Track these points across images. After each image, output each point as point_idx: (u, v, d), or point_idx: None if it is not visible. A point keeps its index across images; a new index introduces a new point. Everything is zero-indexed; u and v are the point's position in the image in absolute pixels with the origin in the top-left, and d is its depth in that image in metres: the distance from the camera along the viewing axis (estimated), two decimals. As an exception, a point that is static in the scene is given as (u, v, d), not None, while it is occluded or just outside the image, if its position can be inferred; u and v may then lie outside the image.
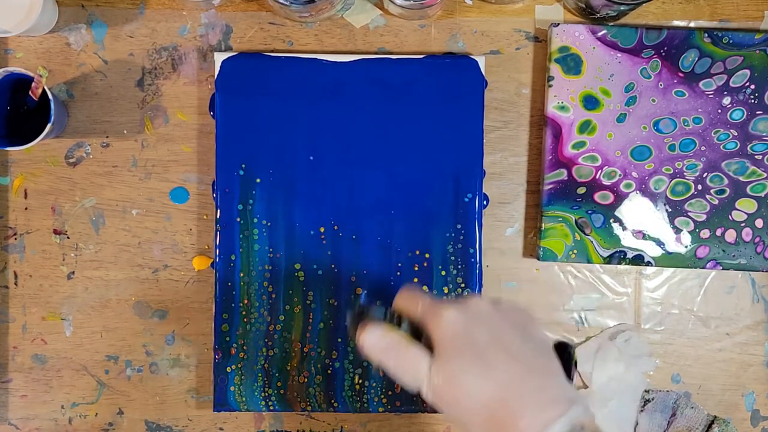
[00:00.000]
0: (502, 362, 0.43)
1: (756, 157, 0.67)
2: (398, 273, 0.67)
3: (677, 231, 0.68)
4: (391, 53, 0.69)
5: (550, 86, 0.67)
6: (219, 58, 0.67)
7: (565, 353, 0.47)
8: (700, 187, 0.68)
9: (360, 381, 0.67)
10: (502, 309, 0.47)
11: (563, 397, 0.43)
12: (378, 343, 0.45)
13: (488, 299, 0.47)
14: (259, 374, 0.67)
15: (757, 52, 0.67)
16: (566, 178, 0.68)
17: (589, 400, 0.69)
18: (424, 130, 0.68)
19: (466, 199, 0.68)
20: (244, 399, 0.67)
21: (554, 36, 0.67)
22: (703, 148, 0.67)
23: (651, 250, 0.68)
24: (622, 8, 0.64)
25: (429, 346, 0.46)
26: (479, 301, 0.46)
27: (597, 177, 0.68)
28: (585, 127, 0.67)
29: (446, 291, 0.67)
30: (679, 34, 0.67)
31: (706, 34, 0.67)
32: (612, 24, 0.69)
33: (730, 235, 0.68)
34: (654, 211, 0.68)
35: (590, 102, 0.67)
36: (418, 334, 0.47)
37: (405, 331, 0.47)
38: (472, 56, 0.68)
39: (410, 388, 0.46)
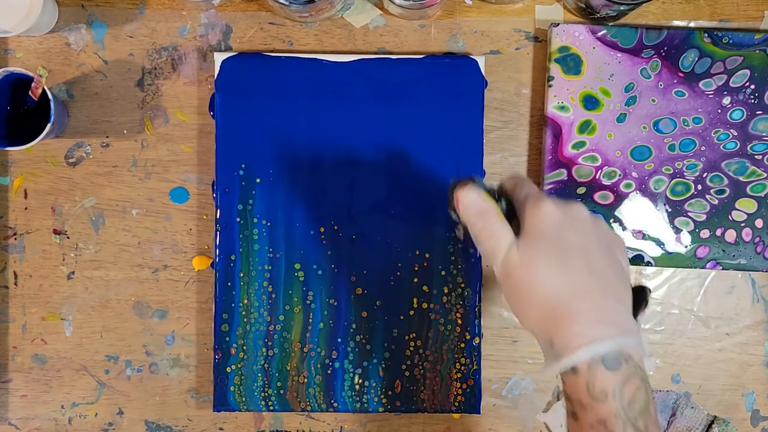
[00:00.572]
0: (580, 268, 0.44)
1: (756, 157, 0.67)
2: (398, 273, 0.67)
3: (677, 231, 0.68)
4: (391, 53, 0.69)
5: (550, 86, 0.67)
6: (219, 58, 0.67)
7: (641, 294, 0.47)
8: (700, 187, 0.68)
9: (360, 381, 0.67)
10: (599, 225, 0.47)
11: (622, 324, 0.43)
12: (474, 202, 0.46)
13: (590, 212, 0.47)
14: (259, 374, 0.67)
15: (757, 52, 0.67)
16: (566, 178, 0.68)
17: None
18: (424, 130, 0.68)
19: (466, 199, 0.68)
20: (244, 399, 0.67)
21: (554, 36, 0.67)
22: (703, 148, 0.68)
23: (651, 250, 0.68)
24: (622, 8, 0.64)
25: (518, 232, 0.46)
26: (582, 208, 0.46)
27: (597, 177, 0.68)
28: (585, 127, 0.67)
29: (446, 291, 0.67)
30: (679, 34, 0.67)
31: (706, 34, 0.67)
32: (612, 24, 0.69)
33: (730, 235, 0.68)
34: (654, 211, 0.68)
35: (590, 102, 0.67)
36: (512, 218, 0.47)
37: (502, 208, 0.47)
38: (472, 56, 0.68)
39: (486, 258, 0.46)
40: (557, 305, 0.43)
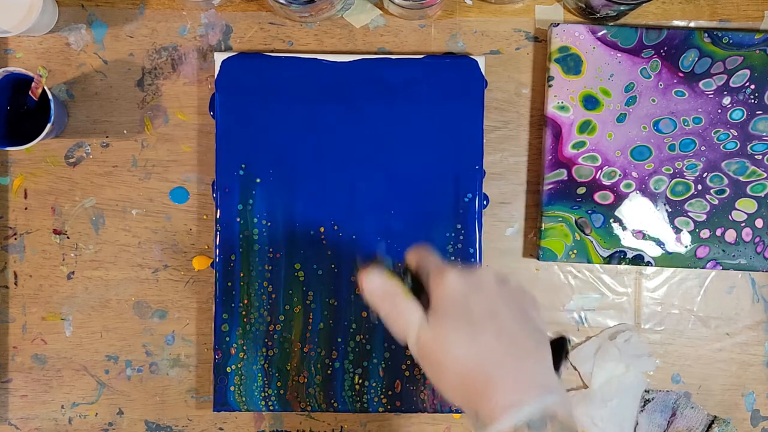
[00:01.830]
0: (490, 335, 0.44)
1: (756, 157, 0.67)
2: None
3: (677, 231, 0.68)
4: (391, 53, 0.69)
5: (550, 86, 0.67)
6: (219, 58, 0.67)
7: (560, 346, 0.47)
8: (700, 187, 0.68)
9: (360, 381, 0.67)
10: (506, 287, 0.47)
11: (542, 383, 0.43)
12: (377, 287, 0.46)
13: (495, 274, 0.47)
14: (259, 374, 0.67)
15: (757, 52, 0.67)
16: (566, 178, 0.68)
17: (589, 398, 0.69)
18: (424, 130, 0.68)
19: (466, 199, 0.68)
20: (244, 399, 0.67)
21: (554, 36, 0.67)
22: (703, 148, 0.68)
23: (651, 250, 0.68)
24: (622, 8, 0.64)
25: (427, 305, 0.46)
26: (486, 273, 0.47)
27: (597, 177, 0.68)
28: (585, 127, 0.67)
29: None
30: (679, 34, 0.67)
31: (706, 34, 0.67)
32: (612, 24, 0.69)
33: (730, 235, 0.68)
34: (654, 211, 0.68)
35: (590, 102, 0.67)
36: (420, 291, 0.47)
37: (407, 285, 0.47)
38: (472, 56, 0.68)
39: (398, 339, 0.46)
40: (474, 377, 0.43)
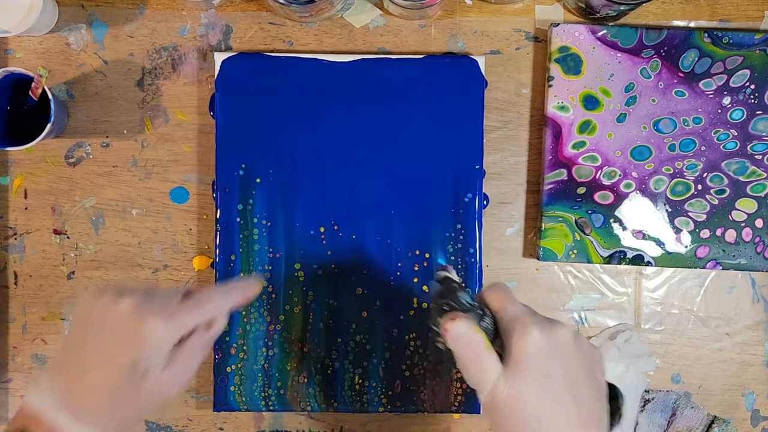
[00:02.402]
0: (566, 401, 0.45)
1: (756, 157, 0.67)
2: (398, 273, 0.67)
3: (677, 231, 0.68)
4: (391, 53, 0.69)
5: (550, 86, 0.67)
6: (219, 58, 0.67)
7: (614, 400, 0.48)
8: (700, 187, 0.68)
9: (360, 381, 0.67)
10: (581, 346, 0.47)
11: None
12: (462, 336, 0.46)
13: (572, 331, 0.47)
14: (259, 374, 0.67)
15: (757, 52, 0.67)
16: (566, 178, 0.68)
17: None
18: (424, 130, 0.68)
19: (466, 199, 0.68)
20: (244, 399, 0.67)
21: (554, 36, 0.67)
22: (703, 148, 0.68)
23: (651, 250, 0.68)
24: (622, 8, 0.64)
25: (501, 347, 0.47)
26: (565, 331, 0.47)
27: (597, 177, 0.68)
28: (585, 127, 0.67)
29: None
30: (679, 34, 0.67)
31: (706, 34, 0.67)
32: (612, 24, 0.69)
33: (730, 235, 0.68)
34: (654, 211, 0.68)
35: (590, 102, 0.67)
36: (495, 335, 0.48)
37: (487, 326, 0.47)
38: (472, 56, 0.68)
39: (471, 385, 0.47)
40: None
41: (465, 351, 0.46)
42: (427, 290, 0.67)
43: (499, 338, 0.47)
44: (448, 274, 0.51)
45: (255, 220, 0.67)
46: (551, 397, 0.44)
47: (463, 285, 0.49)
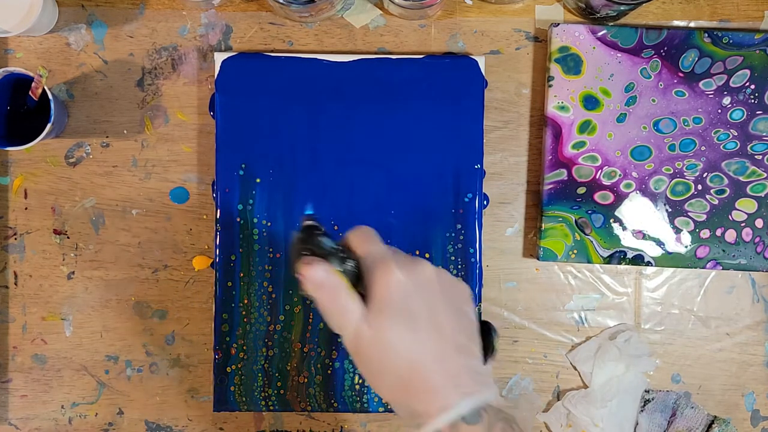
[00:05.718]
0: (430, 334, 0.44)
1: (756, 157, 0.67)
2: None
3: (677, 231, 0.68)
4: (391, 53, 0.69)
5: (550, 86, 0.67)
6: (219, 58, 0.67)
7: (487, 332, 0.48)
8: (700, 187, 0.68)
9: (360, 381, 0.67)
10: (445, 282, 0.47)
11: (476, 378, 0.44)
12: (320, 281, 0.45)
13: (434, 268, 0.47)
14: (259, 374, 0.67)
15: (757, 52, 0.67)
16: (566, 178, 0.68)
17: (589, 398, 0.69)
18: (424, 130, 0.68)
19: (466, 199, 0.68)
20: (244, 399, 0.67)
21: (554, 36, 0.67)
22: (703, 148, 0.68)
23: (651, 250, 0.68)
24: (622, 8, 0.64)
25: (364, 292, 0.46)
26: (426, 267, 0.46)
27: (597, 177, 0.68)
28: (585, 127, 0.67)
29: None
30: (679, 34, 0.67)
31: (706, 34, 0.67)
32: (612, 24, 0.69)
33: (730, 235, 0.68)
34: (654, 211, 0.68)
35: (590, 102, 0.67)
36: (358, 278, 0.46)
37: (350, 269, 0.46)
38: (472, 56, 0.68)
39: (335, 330, 0.46)
40: (411, 374, 0.44)
41: (324, 295, 0.45)
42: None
43: (363, 282, 0.46)
44: (311, 222, 0.49)
45: (255, 220, 0.67)
46: (414, 333, 0.44)
47: (326, 232, 0.48)
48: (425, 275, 0.46)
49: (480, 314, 0.68)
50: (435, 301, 0.45)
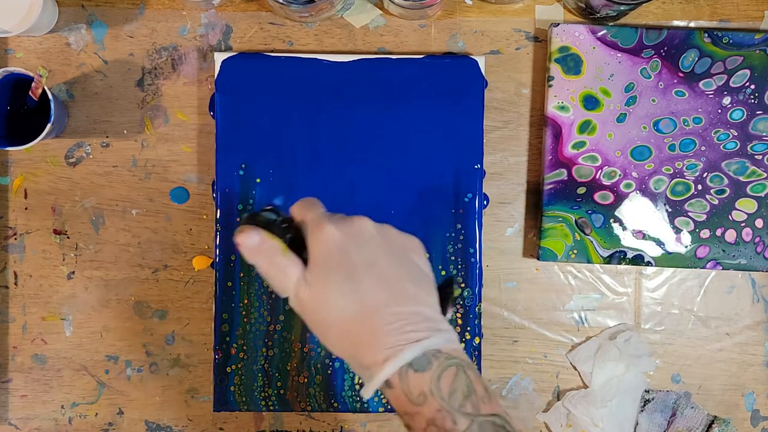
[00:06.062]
0: (371, 284, 0.44)
1: (756, 157, 0.67)
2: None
3: (677, 231, 0.68)
4: (391, 53, 0.69)
5: (550, 86, 0.67)
6: (219, 58, 0.67)
7: (447, 288, 0.47)
8: (700, 187, 0.68)
9: (360, 381, 0.67)
10: (387, 234, 0.47)
11: (423, 326, 0.43)
12: (253, 244, 0.45)
13: (373, 222, 0.47)
14: (259, 374, 0.67)
15: (757, 52, 0.67)
16: (566, 178, 0.68)
17: (589, 398, 0.69)
18: (424, 130, 0.68)
19: (466, 199, 0.68)
20: (244, 399, 0.67)
21: (554, 36, 0.67)
22: (703, 148, 0.68)
23: (651, 250, 0.68)
24: (622, 8, 0.64)
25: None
26: (364, 222, 0.46)
27: (597, 177, 0.68)
28: (585, 127, 0.67)
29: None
30: (679, 34, 0.67)
31: (706, 34, 0.67)
32: (612, 24, 0.69)
33: (730, 235, 0.68)
34: (654, 211, 0.68)
35: (590, 102, 0.67)
36: (304, 246, 0.47)
37: (291, 236, 0.46)
38: (472, 56, 0.68)
39: (280, 294, 0.46)
40: (356, 326, 0.43)
41: (261, 259, 0.45)
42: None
43: (306, 249, 0.46)
44: (268, 208, 0.50)
45: (255, 220, 0.67)
46: (355, 285, 0.43)
47: (275, 209, 0.48)
48: (363, 228, 0.46)
49: (479, 314, 0.67)
50: (375, 253, 0.45)
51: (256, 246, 0.45)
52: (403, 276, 0.45)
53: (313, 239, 0.45)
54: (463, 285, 0.64)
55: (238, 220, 0.52)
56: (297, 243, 0.46)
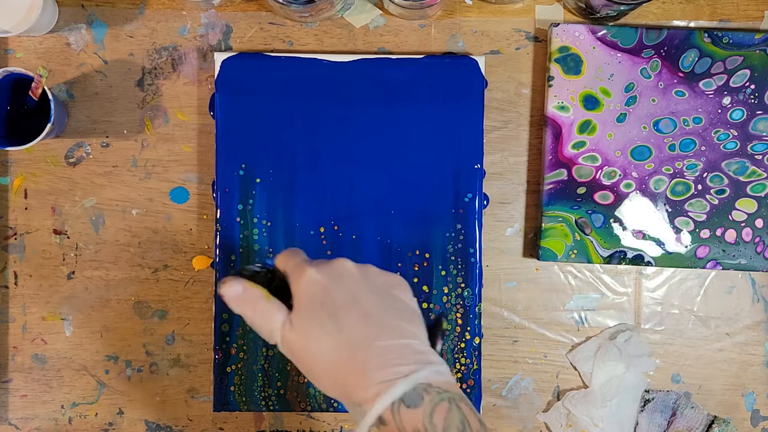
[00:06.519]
0: (353, 322, 0.44)
1: (756, 157, 0.67)
2: (398, 273, 0.67)
3: (677, 231, 0.68)
4: (391, 53, 0.69)
5: (550, 86, 0.67)
6: (219, 58, 0.67)
7: (437, 324, 0.48)
8: (700, 187, 0.68)
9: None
10: (367, 272, 0.47)
11: (412, 359, 0.43)
12: (237, 294, 0.46)
13: (353, 263, 0.47)
14: (259, 374, 0.67)
15: (757, 52, 0.67)
16: (566, 178, 0.68)
17: (589, 398, 0.69)
18: (424, 130, 0.68)
19: (466, 199, 0.68)
20: (244, 399, 0.67)
21: (554, 36, 0.67)
22: (703, 148, 0.68)
23: (651, 250, 0.68)
24: (622, 8, 0.64)
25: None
26: (345, 263, 0.47)
27: (597, 177, 0.68)
28: (585, 127, 0.67)
29: (446, 291, 0.67)
30: (679, 34, 0.67)
31: (706, 34, 0.67)
32: (612, 24, 0.69)
33: (730, 235, 0.68)
34: (654, 211, 0.68)
35: (590, 102, 0.67)
36: (289, 294, 0.48)
37: (277, 285, 0.48)
38: (472, 56, 0.68)
39: (268, 340, 0.47)
40: (344, 365, 0.43)
41: (246, 308, 0.46)
42: (426, 290, 0.67)
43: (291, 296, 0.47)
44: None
45: (255, 220, 0.67)
46: (338, 324, 0.44)
47: (262, 264, 0.50)
48: (343, 269, 0.46)
49: (479, 314, 0.67)
50: (357, 290, 0.45)
51: (240, 295, 0.46)
52: (386, 311, 0.45)
53: (295, 284, 0.46)
54: (451, 318, 0.66)
55: (231, 266, 0.56)
56: (282, 291, 0.47)
